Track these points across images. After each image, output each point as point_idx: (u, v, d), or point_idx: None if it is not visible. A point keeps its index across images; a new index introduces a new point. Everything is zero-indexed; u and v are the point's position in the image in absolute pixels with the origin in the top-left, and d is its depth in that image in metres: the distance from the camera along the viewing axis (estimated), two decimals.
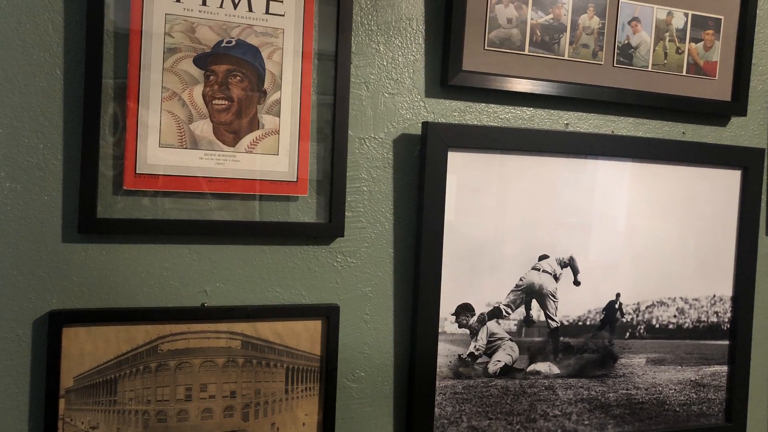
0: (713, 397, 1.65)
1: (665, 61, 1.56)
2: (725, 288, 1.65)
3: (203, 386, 1.27)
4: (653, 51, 1.54)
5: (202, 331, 1.27)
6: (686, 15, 1.56)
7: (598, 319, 1.53)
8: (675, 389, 1.61)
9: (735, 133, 1.68)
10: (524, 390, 1.48)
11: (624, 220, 1.54)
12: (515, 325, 1.47)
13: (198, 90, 1.25)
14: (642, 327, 1.57)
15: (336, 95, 1.32)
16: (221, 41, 1.26)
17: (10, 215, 1.19)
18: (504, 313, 1.46)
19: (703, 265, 1.62)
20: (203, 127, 1.25)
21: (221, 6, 1.25)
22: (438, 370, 1.41)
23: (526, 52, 1.44)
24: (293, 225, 1.32)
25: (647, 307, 1.58)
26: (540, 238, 1.47)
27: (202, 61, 1.25)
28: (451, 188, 1.39)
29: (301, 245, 1.35)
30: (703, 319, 1.63)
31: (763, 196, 1.70)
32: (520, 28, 1.43)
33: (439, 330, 1.40)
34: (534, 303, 1.48)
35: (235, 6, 1.26)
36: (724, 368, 1.66)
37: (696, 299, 1.62)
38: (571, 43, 1.47)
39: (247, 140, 1.28)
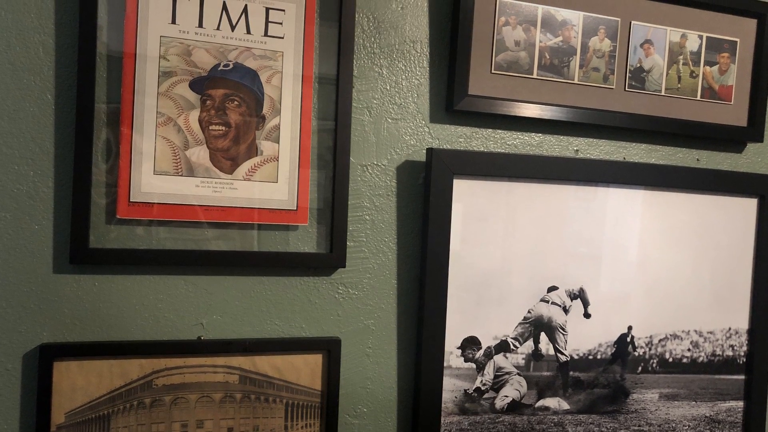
0: None
1: (679, 85, 1.54)
2: (741, 320, 1.63)
3: (200, 422, 1.26)
4: (666, 75, 1.53)
5: (198, 365, 1.25)
6: (701, 37, 1.54)
7: (610, 353, 1.52)
8: (689, 426, 1.59)
9: (751, 159, 1.67)
10: (533, 426, 1.46)
11: (636, 251, 1.53)
12: (523, 359, 1.45)
13: (194, 115, 1.23)
14: (655, 361, 1.56)
15: (337, 120, 1.31)
16: (218, 64, 1.24)
17: None
18: (511, 346, 1.44)
19: (718, 297, 1.61)
20: (199, 154, 1.24)
21: (218, 28, 1.24)
22: (443, 405, 1.39)
23: (535, 76, 1.43)
24: (293, 255, 1.31)
25: (660, 341, 1.56)
26: (549, 269, 1.46)
27: (198, 85, 1.23)
28: (456, 217, 1.38)
29: (301, 276, 1.33)
30: (718, 353, 1.61)
31: None
32: (528, 51, 1.42)
33: (445, 364, 1.39)
34: (543, 336, 1.46)
35: (233, 28, 1.24)
36: (740, 404, 1.64)
37: (711, 332, 1.60)
38: (581, 67, 1.46)
39: (245, 167, 1.26)
